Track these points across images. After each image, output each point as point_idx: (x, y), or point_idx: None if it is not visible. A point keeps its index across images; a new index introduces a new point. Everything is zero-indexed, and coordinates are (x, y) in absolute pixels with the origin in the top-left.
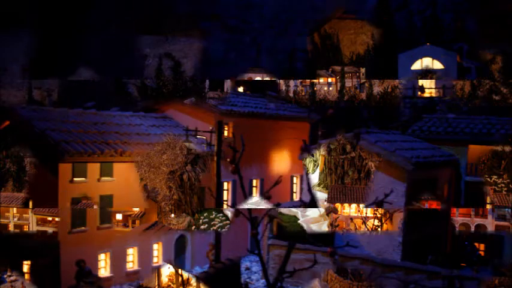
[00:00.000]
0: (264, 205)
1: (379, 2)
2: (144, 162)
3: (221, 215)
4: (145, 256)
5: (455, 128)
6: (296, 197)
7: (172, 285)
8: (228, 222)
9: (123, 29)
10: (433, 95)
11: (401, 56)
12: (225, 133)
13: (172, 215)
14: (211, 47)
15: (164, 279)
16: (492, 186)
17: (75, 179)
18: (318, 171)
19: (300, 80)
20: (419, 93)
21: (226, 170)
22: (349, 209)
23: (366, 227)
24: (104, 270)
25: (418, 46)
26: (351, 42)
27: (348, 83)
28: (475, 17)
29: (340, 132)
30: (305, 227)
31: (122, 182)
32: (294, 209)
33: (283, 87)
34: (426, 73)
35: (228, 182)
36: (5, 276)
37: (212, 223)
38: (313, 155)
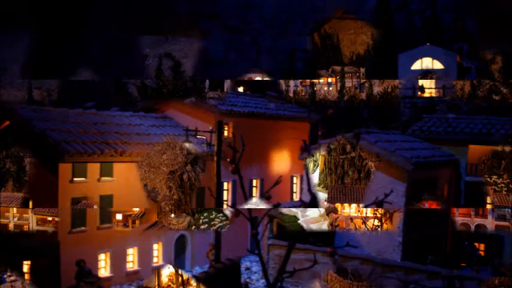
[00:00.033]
0: (264, 205)
1: (379, 2)
2: (144, 162)
3: (221, 215)
4: (145, 256)
5: (455, 128)
6: (296, 197)
7: (172, 285)
8: (228, 222)
9: (123, 29)
10: (433, 95)
11: (401, 56)
12: (225, 133)
13: (172, 215)
14: (211, 47)
15: (164, 279)
16: (492, 186)
17: (75, 179)
18: (318, 171)
19: (300, 80)
20: (419, 93)
21: (226, 170)
22: (349, 209)
23: (366, 227)
24: (104, 270)
25: (418, 46)
26: (351, 42)
27: (348, 83)
28: (475, 17)
29: (340, 132)
30: (305, 226)
31: (122, 182)
32: (294, 209)
33: (284, 87)
34: (426, 73)
35: (228, 182)
36: (5, 276)
37: (212, 223)
38: (313, 155)
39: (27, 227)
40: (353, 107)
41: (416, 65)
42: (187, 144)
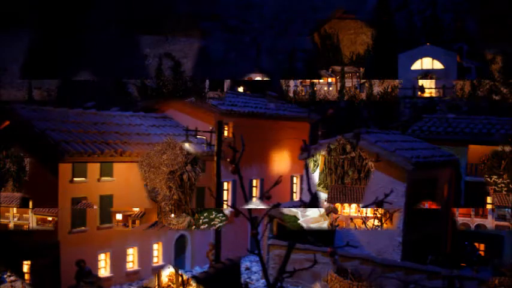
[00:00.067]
0: (264, 205)
1: (379, 2)
2: (144, 162)
3: (221, 215)
4: (145, 256)
5: (455, 128)
6: (296, 197)
7: (172, 285)
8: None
9: (123, 29)
10: (433, 95)
11: (401, 56)
12: (225, 133)
13: (172, 215)
14: (211, 47)
15: (164, 279)
16: (492, 186)
17: (75, 179)
18: (318, 171)
19: (300, 80)
20: (419, 93)
21: (226, 170)
22: (349, 209)
23: (365, 227)
24: (104, 270)
25: (418, 46)
26: (351, 42)
27: (348, 83)
28: (475, 17)
29: (340, 133)
30: (305, 226)
31: (122, 182)
32: (294, 209)
33: (284, 87)
34: (426, 73)
35: (228, 182)
36: (5, 276)
37: (212, 223)
38: (313, 155)
39: (27, 227)
40: (353, 107)
41: (416, 65)
42: (186, 145)
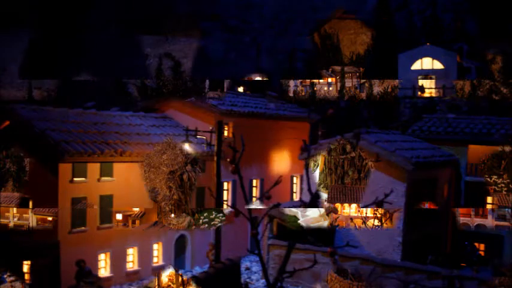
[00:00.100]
0: (264, 205)
1: (379, 2)
2: (144, 162)
3: (221, 215)
4: (145, 256)
5: (455, 128)
6: (296, 197)
7: (172, 285)
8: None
9: (123, 29)
10: (433, 95)
11: (401, 56)
12: (225, 133)
13: (172, 215)
14: (211, 47)
15: (164, 279)
16: (492, 186)
17: (75, 179)
18: (318, 171)
19: (300, 80)
20: (419, 93)
21: (226, 170)
22: (349, 209)
23: (365, 227)
24: (104, 270)
25: (418, 46)
26: (351, 42)
27: (348, 83)
28: (475, 17)
29: (340, 133)
30: (305, 226)
31: (122, 182)
32: (294, 209)
33: (284, 87)
34: (426, 73)
35: (228, 182)
36: (5, 276)
37: (212, 223)
38: (313, 155)
39: (27, 227)
40: (353, 107)
41: (416, 65)
42: (186, 145)
